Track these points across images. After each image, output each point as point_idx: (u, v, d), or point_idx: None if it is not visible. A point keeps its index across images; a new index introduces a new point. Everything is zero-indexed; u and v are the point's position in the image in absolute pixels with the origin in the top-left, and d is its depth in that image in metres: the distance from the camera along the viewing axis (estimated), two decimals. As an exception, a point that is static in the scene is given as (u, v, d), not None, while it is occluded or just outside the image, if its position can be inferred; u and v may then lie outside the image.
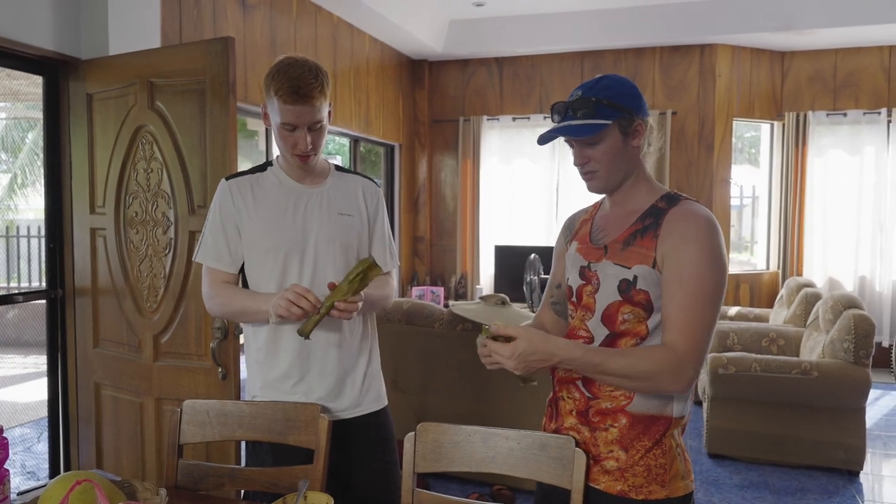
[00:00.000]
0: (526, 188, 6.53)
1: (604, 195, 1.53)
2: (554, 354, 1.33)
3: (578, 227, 1.57)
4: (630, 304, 1.38)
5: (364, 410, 1.79)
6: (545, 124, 6.37)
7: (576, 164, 1.44)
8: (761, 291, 6.29)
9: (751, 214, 7.51)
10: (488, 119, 6.54)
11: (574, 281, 1.49)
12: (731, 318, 5.35)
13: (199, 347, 2.62)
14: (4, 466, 1.38)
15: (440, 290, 6.25)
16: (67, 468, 3.14)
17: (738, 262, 7.02)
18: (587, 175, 1.43)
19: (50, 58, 2.86)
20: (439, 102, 6.67)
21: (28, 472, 3.65)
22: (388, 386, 3.57)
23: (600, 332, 1.42)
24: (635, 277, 1.38)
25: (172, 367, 2.68)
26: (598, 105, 1.38)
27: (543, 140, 1.43)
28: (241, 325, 1.82)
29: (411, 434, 1.53)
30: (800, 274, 6.13)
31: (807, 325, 4.35)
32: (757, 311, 5.47)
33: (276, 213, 1.74)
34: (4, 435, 1.39)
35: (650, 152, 1.47)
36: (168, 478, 1.66)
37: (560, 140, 1.44)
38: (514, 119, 6.48)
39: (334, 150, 6.89)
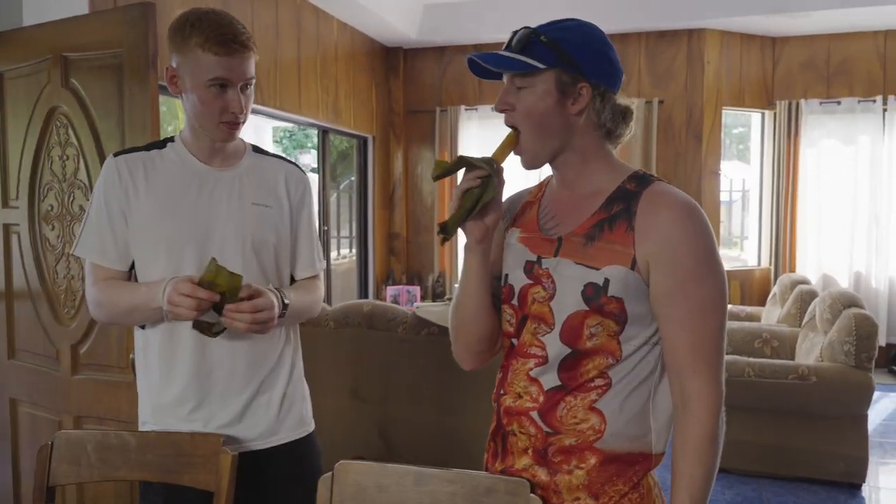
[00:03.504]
0: (506, 180, 6.22)
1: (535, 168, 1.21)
2: None
3: (521, 210, 1.26)
4: (599, 315, 1.08)
5: (281, 439, 1.48)
6: (526, 115, 6.08)
7: (495, 109, 1.17)
8: (752, 289, 6.03)
9: (741, 209, 7.25)
10: (466, 109, 6.23)
11: (517, 279, 1.17)
12: (722, 317, 5.07)
13: (120, 359, 2.31)
14: None
15: (416, 290, 5.95)
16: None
17: (729, 259, 6.76)
18: (516, 135, 1.16)
19: (-45, 31, 2.53)
20: (415, 92, 6.35)
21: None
22: (347, 395, 3.24)
23: (559, 351, 1.11)
24: (606, 281, 1.07)
25: (92, 381, 2.37)
26: (535, 42, 1.09)
27: (470, 65, 1.16)
28: (135, 335, 1.50)
29: (327, 475, 1.22)
30: (793, 270, 5.87)
31: (802, 325, 4.08)
32: (749, 309, 5.21)
33: (173, 198, 1.42)
34: None
35: (599, 133, 1.16)
36: (34, 529, 1.34)
37: None
38: (493, 109, 6.15)
39: (292, 144, 6.56)
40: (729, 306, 5.44)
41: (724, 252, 6.71)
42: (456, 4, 5.73)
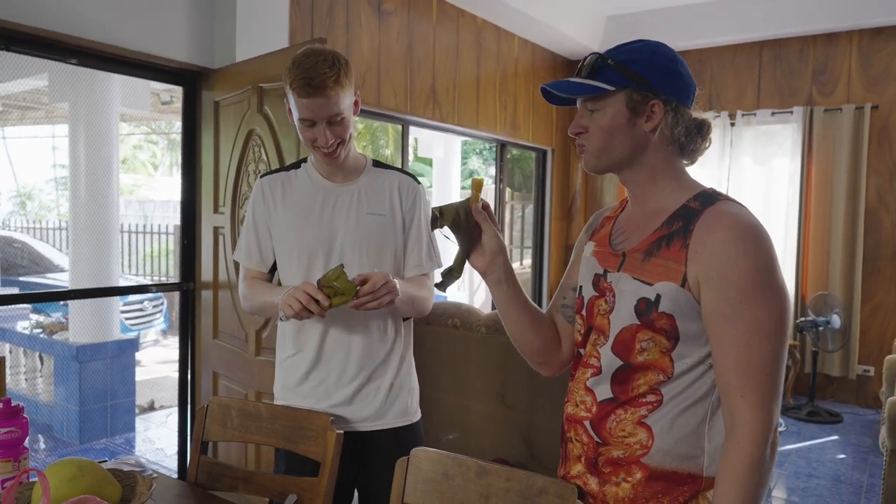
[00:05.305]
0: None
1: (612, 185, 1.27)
2: None
3: (600, 225, 1.31)
4: (650, 331, 1.10)
5: (386, 425, 1.66)
6: (716, 123, 5.74)
7: (570, 132, 1.21)
8: None
9: None
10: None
11: (587, 291, 1.23)
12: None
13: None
14: (24, 445, 1.46)
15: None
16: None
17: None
18: (579, 147, 1.21)
19: (187, 69, 3.11)
20: (598, 104, 6.29)
21: (158, 449, 3.99)
22: (495, 400, 3.37)
23: (610, 362, 1.15)
24: (658, 297, 1.10)
25: (268, 363, 2.76)
26: (603, 66, 1.13)
27: (543, 94, 1.22)
28: (277, 327, 1.78)
29: (403, 459, 1.38)
30: None
31: None
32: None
33: (303, 212, 1.67)
34: (25, 415, 1.47)
35: (671, 149, 1.17)
36: (190, 473, 1.66)
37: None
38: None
39: (491, 156, 6.82)
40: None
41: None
42: (638, 14, 5.61)
